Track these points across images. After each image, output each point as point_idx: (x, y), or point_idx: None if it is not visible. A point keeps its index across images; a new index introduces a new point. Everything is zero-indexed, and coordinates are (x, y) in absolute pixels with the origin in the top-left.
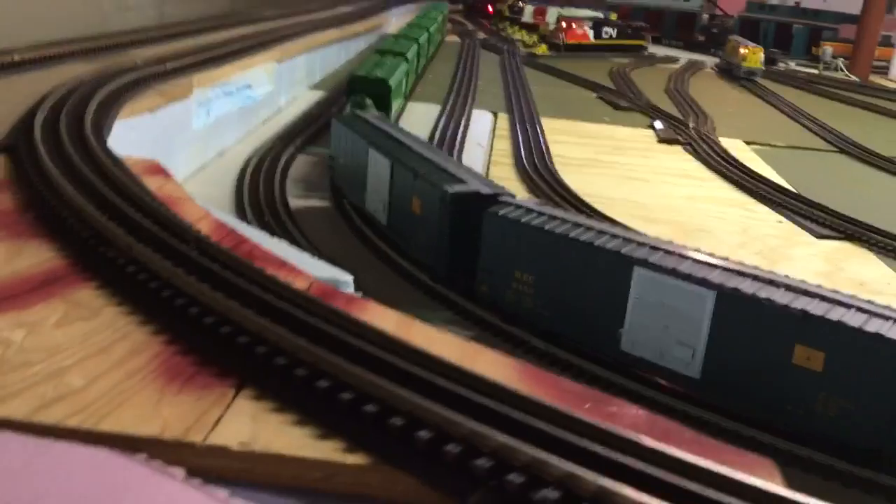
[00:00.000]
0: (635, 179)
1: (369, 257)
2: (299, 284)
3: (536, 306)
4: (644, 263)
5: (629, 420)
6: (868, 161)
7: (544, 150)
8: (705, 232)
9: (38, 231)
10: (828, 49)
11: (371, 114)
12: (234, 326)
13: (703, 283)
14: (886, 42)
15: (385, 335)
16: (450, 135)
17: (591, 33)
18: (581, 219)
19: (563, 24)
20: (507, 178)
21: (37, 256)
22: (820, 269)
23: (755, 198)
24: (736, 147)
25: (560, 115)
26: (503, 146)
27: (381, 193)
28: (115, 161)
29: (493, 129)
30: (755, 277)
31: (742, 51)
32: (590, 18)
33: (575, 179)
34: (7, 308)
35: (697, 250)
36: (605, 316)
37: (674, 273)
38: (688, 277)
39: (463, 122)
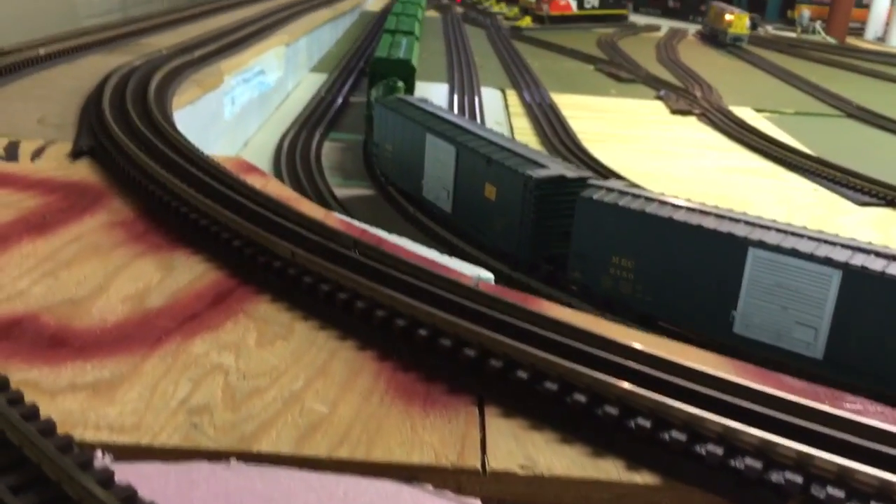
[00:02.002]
0: (661, 152)
1: (431, 246)
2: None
3: (636, 291)
4: (760, 244)
5: (877, 417)
6: (878, 125)
7: (566, 127)
8: (749, 204)
9: (172, 241)
10: (805, 12)
11: (416, 97)
12: (455, 340)
13: (827, 262)
14: (860, 3)
15: (611, 340)
16: (467, 114)
17: (573, 4)
18: (679, 200)
19: None
20: None
21: (191, 270)
22: (873, 238)
23: (785, 167)
24: (747, 115)
25: (566, 89)
26: (522, 124)
27: (444, 180)
28: (217, 164)
29: (507, 107)
30: (877, 254)
31: (728, 17)
32: None
33: (603, 155)
34: (200, 329)
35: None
36: (716, 299)
37: (794, 253)
38: (810, 257)
39: (477, 101)
